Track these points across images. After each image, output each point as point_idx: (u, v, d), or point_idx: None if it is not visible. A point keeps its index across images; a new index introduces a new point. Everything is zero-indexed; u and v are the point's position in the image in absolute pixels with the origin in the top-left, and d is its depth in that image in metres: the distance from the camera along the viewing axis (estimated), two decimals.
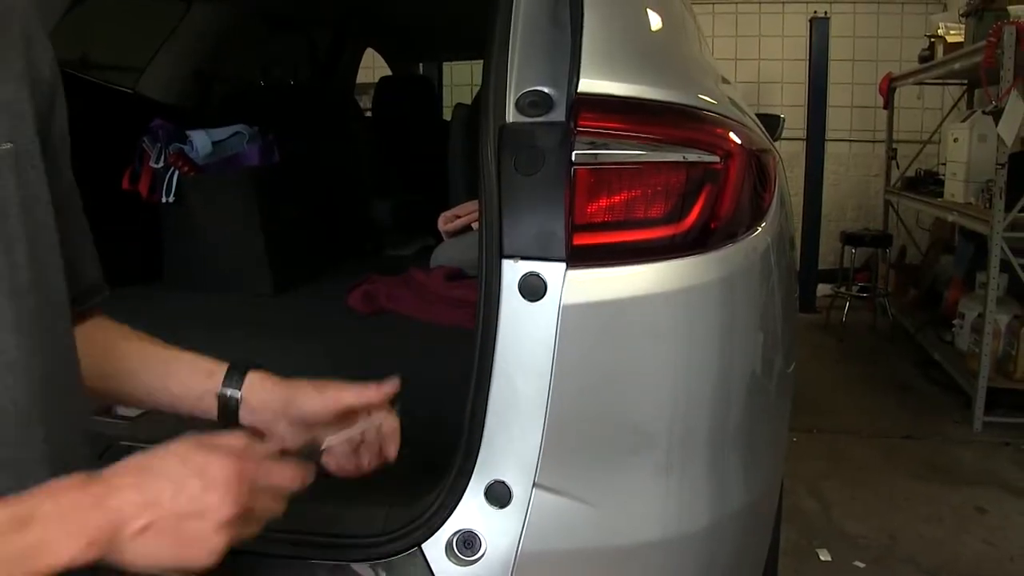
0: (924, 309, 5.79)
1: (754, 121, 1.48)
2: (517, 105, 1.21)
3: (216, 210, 2.65)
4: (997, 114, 3.97)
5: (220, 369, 1.08)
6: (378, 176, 3.67)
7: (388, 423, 1.12)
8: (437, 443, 1.28)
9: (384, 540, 1.22)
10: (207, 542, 0.77)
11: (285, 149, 2.87)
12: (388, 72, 5.11)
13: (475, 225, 2.31)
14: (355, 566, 1.22)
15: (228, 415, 1.07)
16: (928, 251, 6.51)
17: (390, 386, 1.09)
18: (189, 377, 1.08)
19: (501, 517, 1.20)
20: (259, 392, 1.07)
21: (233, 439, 0.84)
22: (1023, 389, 4.29)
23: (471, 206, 2.35)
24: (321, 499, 1.32)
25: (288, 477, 0.87)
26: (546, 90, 1.21)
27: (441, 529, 1.20)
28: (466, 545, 1.20)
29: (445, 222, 2.42)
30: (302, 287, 2.76)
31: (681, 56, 1.40)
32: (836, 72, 6.73)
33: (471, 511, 1.21)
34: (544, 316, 1.15)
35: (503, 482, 1.19)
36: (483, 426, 1.18)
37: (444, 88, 6.62)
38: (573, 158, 1.13)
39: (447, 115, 4.86)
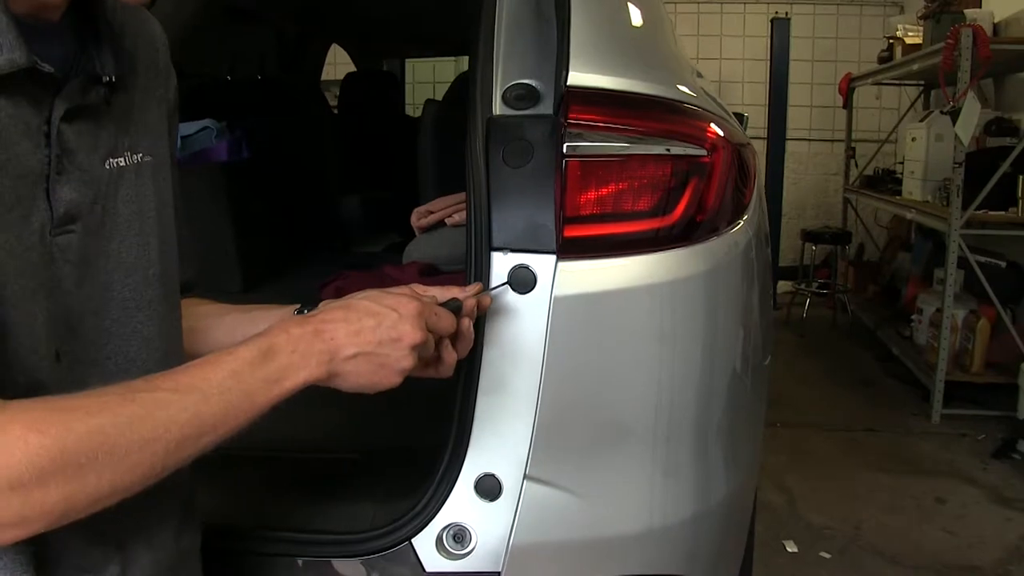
0: (883, 305, 5.88)
1: (730, 115, 1.50)
2: (504, 98, 1.21)
3: (184, 206, 2.59)
4: (955, 114, 4.04)
5: (293, 306, 1.18)
6: (345, 172, 3.64)
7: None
8: (423, 438, 1.27)
9: (373, 536, 1.21)
10: (399, 363, 0.95)
11: (253, 144, 2.83)
12: (348, 70, 5.06)
13: (449, 221, 2.30)
14: (342, 563, 1.21)
15: None
16: (885, 248, 6.61)
17: (472, 287, 1.13)
18: (269, 313, 1.17)
19: (491, 510, 1.20)
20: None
21: (407, 289, 1.03)
22: (980, 382, 4.37)
23: (444, 201, 2.34)
24: (308, 495, 1.33)
25: (446, 322, 1.03)
26: (532, 83, 1.22)
27: (431, 523, 1.20)
28: (456, 539, 1.20)
29: (419, 217, 2.41)
30: (272, 284, 2.73)
31: (663, 50, 1.41)
32: (796, 72, 6.80)
33: (461, 504, 1.20)
34: (535, 308, 1.15)
35: (493, 475, 1.19)
36: (472, 419, 1.18)
37: (406, 86, 6.59)
38: (564, 150, 1.13)
39: (410, 112, 4.86)
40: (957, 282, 4.32)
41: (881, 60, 5.70)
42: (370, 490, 1.29)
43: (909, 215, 4.92)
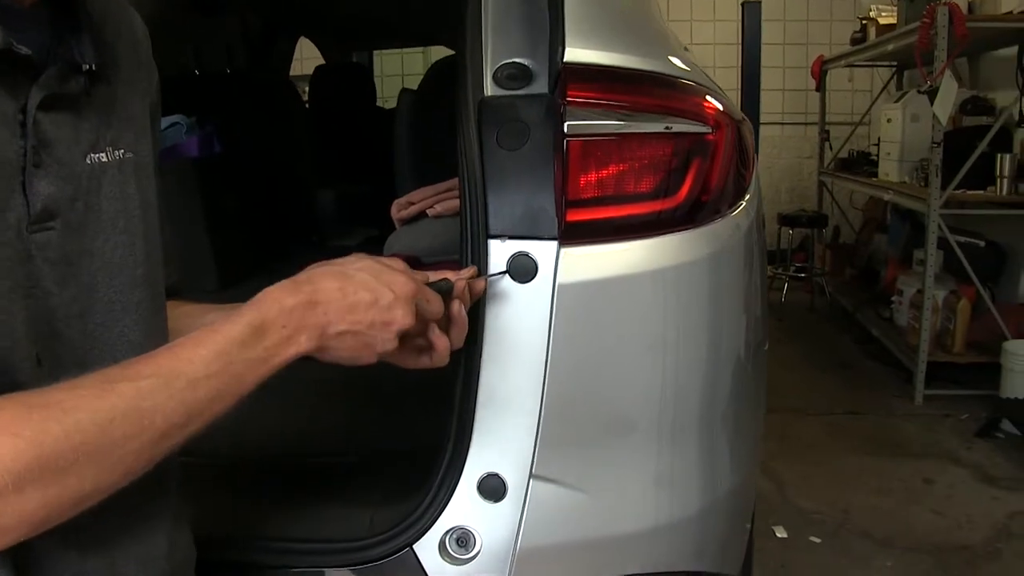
0: (861, 287, 5.88)
1: (723, 91, 1.45)
2: (495, 78, 1.15)
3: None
4: (932, 94, 4.01)
5: None
6: (319, 166, 3.57)
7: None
8: (422, 438, 1.22)
9: (371, 543, 1.15)
10: (383, 345, 0.93)
11: (225, 139, 2.76)
12: (317, 64, 4.98)
13: (430, 211, 2.24)
14: (339, 573, 1.15)
15: None
16: (861, 230, 6.61)
17: (467, 271, 1.10)
18: None
19: (496, 511, 1.14)
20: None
21: (399, 264, 0.98)
22: (962, 363, 4.36)
23: (425, 192, 2.27)
24: (302, 501, 1.27)
25: (436, 305, 0.99)
26: (524, 62, 1.16)
27: (433, 528, 1.14)
28: (460, 543, 1.14)
29: (399, 209, 2.34)
30: (249, 281, 2.64)
31: (656, 26, 1.35)
32: (767, 55, 6.78)
33: (464, 507, 1.15)
34: (536, 297, 1.09)
35: (497, 475, 1.13)
36: (473, 417, 1.12)
37: (375, 79, 6.50)
38: (566, 129, 1.07)
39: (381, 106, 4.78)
40: (937, 262, 4.30)
41: (854, 41, 5.69)
42: (367, 494, 1.23)
43: (887, 196, 4.90)
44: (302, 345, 0.87)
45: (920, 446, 3.86)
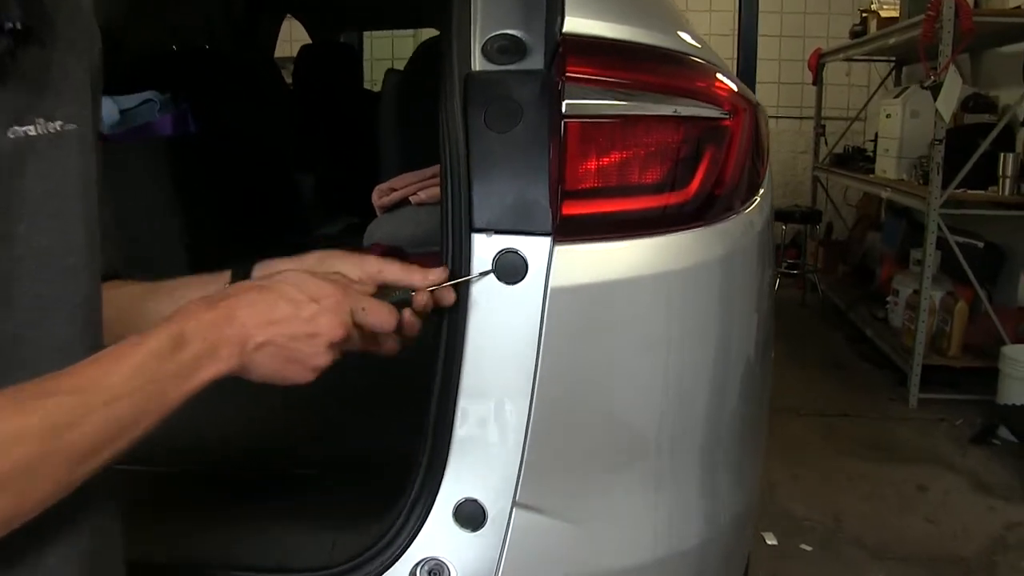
0: (854, 285, 5.79)
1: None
2: (484, 51, 1.01)
3: (123, 186, 2.38)
4: (935, 89, 3.92)
5: (226, 273, 1.11)
6: (301, 150, 3.42)
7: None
8: (393, 450, 1.08)
9: (332, 573, 1.01)
10: (313, 360, 0.87)
11: (201, 119, 2.62)
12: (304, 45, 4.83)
13: (413, 199, 2.11)
14: None
15: None
16: (854, 227, 6.53)
17: (437, 273, 0.99)
18: (201, 288, 1.06)
19: (474, 542, 1.00)
20: (276, 265, 1.04)
21: (336, 275, 0.92)
22: (957, 366, 4.28)
23: (408, 178, 2.15)
24: (253, 521, 1.13)
25: (379, 317, 0.91)
26: (517, 34, 1.02)
27: (402, 558, 1.00)
28: None
29: (380, 195, 2.21)
30: (222, 271, 2.51)
31: None
32: (763, 48, 6.63)
33: (438, 536, 1.01)
34: (525, 301, 0.96)
35: (475, 500, 0.99)
36: (451, 434, 0.98)
37: (364, 63, 6.37)
38: (564, 109, 0.94)
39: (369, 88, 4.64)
40: (934, 263, 4.20)
41: (854, 34, 5.58)
42: (329, 514, 1.10)
43: (884, 194, 4.80)
44: (223, 361, 0.81)
45: (914, 451, 3.77)
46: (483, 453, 0.99)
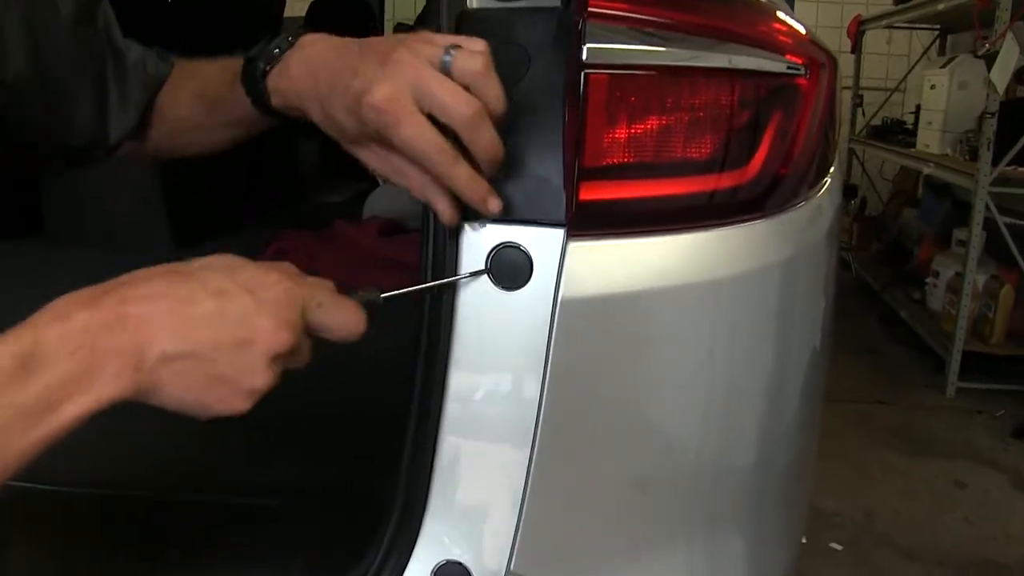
0: (889, 265, 5.55)
1: None
2: None
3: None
4: (990, 58, 3.66)
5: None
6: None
7: None
8: (361, 480, 0.87)
9: None
10: (246, 379, 0.62)
11: None
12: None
13: None
14: None
15: (255, 82, 0.85)
16: (889, 203, 6.29)
17: None
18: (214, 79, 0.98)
19: None
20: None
21: (285, 264, 0.69)
22: (999, 354, 4.07)
23: None
24: (189, 562, 0.92)
25: (346, 317, 0.69)
26: None
27: None
28: None
29: None
30: (210, 241, 2.30)
31: None
32: (800, 13, 6.32)
33: None
34: (528, 314, 0.73)
35: (460, 564, 0.76)
36: (431, 478, 0.76)
37: (385, 23, 6.14)
38: (584, 56, 0.70)
39: None
40: (979, 244, 3.98)
41: (897, 0, 5.28)
42: (285, 560, 0.88)
43: (927, 169, 4.57)
44: (108, 383, 0.57)
45: (951, 444, 3.60)
46: (471, 506, 0.76)
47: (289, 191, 2.91)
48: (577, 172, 0.72)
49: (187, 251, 1.95)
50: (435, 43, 0.70)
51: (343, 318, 0.68)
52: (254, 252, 2.01)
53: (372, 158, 0.78)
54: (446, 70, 0.68)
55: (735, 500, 0.87)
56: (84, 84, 0.97)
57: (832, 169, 0.90)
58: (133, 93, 1.02)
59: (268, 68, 0.83)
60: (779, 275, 0.80)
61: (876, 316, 5.24)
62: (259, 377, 0.63)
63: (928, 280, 4.66)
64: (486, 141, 0.69)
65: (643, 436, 0.78)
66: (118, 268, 1.76)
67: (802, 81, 0.74)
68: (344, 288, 0.71)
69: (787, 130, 0.75)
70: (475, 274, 0.74)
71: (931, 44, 5.96)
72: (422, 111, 0.68)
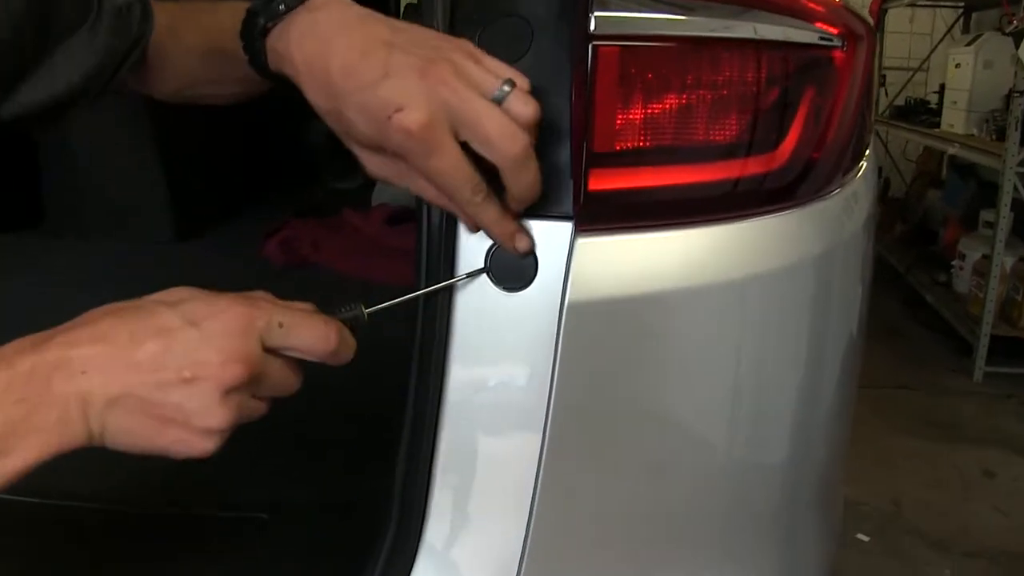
0: (913, 246, 5.45)
1: None
2: None
3: (100, 135, 2.11)
4: (1018, 36, 3.56)
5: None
6: None
7: None
8: (353, 489, 0.80)
9: None
10: (199, 418, 0.57)
11: None
12: None
13: None
14: None
15: (253, 39, 0.74)
16: (912, 184, 6.18)
17: None
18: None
19: None
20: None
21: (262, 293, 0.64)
22: None
23: None
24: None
25: (313, 334, 0.62)
26: None
27: None
28: None
29: None
30: (213, 232, 2.24)
31: None
32: None
33: None
34: (533, 318, 0.66)
35: None
36: (427, 503, 0.68)
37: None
38: (593, 27, 0.62)
39: None
40: (1007, 225, 3.88)
41: None
42: (278, 572, 0.81)
43: (951, 149, 4.48)
44: (55, 430, 0.53)
45: (979, 430, 3.51)
46: (470, 527, 0.68)
47: (301, 177, 2.84)
48: (586, 158, 0.64)
49: (189, 244, 1.89)
50: (485, 66, 0.62)
51: (309, 336, 0.62)
52: (259, 241, 1.96)
53: (375, 164, 0.69)
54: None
55: (762, 509, 0.79)
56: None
57: (868, 152, 0.82)
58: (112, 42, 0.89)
59: (269, 25, 0.72)
60: (813, 272, 0.71)
61: (900, 299, 5.13)
62: (214, 415, 0.57)
63: (954, 262, 4.57)
64: (529, 182, 0.62)
65: (664, 455, 0.70)
66: (119, 260, 1.69)
67: (837, 54, 0.66)
68: (326, 307, 0.64)
69: (821, 109, 0.67)
70: (473, 274, 0.66)
71: (955, 22, 5.83)
72: (456, 137, 0.61)
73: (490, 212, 0.63)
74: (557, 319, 0.65)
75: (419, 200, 0.68)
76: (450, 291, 0.66)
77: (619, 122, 0.62)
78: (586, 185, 0.65)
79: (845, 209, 0.75)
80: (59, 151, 2.17)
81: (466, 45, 0.63)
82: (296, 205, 2.28)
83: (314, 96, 0.67)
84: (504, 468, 0.67)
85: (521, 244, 0.65)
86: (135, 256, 2.03)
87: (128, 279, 1.76)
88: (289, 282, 1.79)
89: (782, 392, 0.73)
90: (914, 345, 4.49)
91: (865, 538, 2.75)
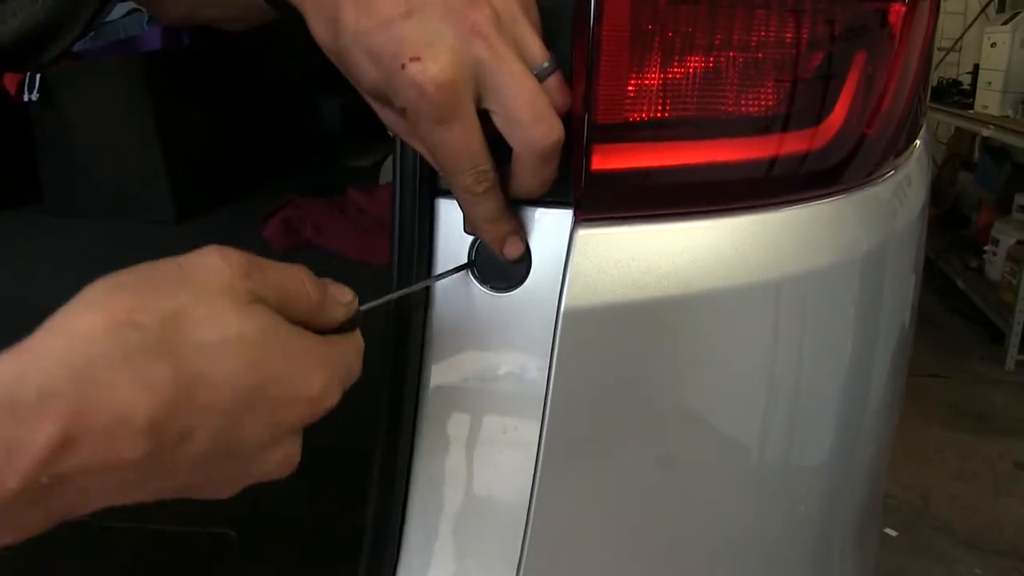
0: (944, 231, 5.32)
1: None
2: None
3: (97, 112, 2.02)
4: None
5: None
6: (325, 67, 3.02)
7: None
8: (332, 513, 0.70)
9: None
10: (260, 459, 0.45)
11: (198, 29, 2.24)
12: None
13: None
14: None
15: None
16: (943, 166, 6.04)
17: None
18: None
19: None
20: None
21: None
22: None
23: None
24: None
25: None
26: None
27: None
28: None
29: None
30: (216, 211, 2.15)
31: None
32: None
33: None
34: (525, 323, 0.55)
35: None
36: (401, 532, 0.58)
37: None
38: None
39: None
40: None
41: None
42: None
43: (986, 131, 4.37)
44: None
45: (1011, 421, 3.43)
46: (451, 560, 0.58)
47: (313, 153, 2.75)
48: (587, 131, 0.52)
49: (189, 225, 1.80)
50: (528, 35, 0.51)
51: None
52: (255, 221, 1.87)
53: (390, 117, 0.58)
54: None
55: (796, 542, 0.69)
56: None
57: (922, 130, 0.71)
58: None
59: None
60: (860, 272, 0.60)
61: (930, 285, 5.04)
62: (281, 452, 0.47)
63: (986, 248, 4.46)
64: (546, 179, 0.52)
65: (673, 481, 0.59)
66: (114, 241, 1.61)
67: (897, 8, 0.55)
68: None
69: (874, 76, 0.55)
70: (456, 270, 0.55)
71: (989, 1, 5.69)
72: (477, 106, 0.50)
73: (488, 208, 0.53)
74: (552, 327, 0.54)
75: (393, 198, 0.58)
76: (428, 292, 0.56)
77: (630, 89, 0.51)
78: (588, 164, 0.53)
79: (898, 195, 0.64)
80: (49, 124, 2.09)
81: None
82: (307, 182, 2.19)
83: (319, 31, 0.56)
84: (490, 503, 0.56)
85: (512, 250, 0.55)
86: (134, 238, 1.95)
87: (125, 261, 1.71)
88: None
89: (824, 422, 0.61)
90: (944, 332, 4.40)
91: (893, 533, 2.68)
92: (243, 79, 2.46)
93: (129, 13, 2.23)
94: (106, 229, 2.00)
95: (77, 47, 2.06)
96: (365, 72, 0.53)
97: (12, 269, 1.77)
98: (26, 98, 2.02)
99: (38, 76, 2.00)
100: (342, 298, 0.49)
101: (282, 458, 0.45)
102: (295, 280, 0.47)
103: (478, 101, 0.50)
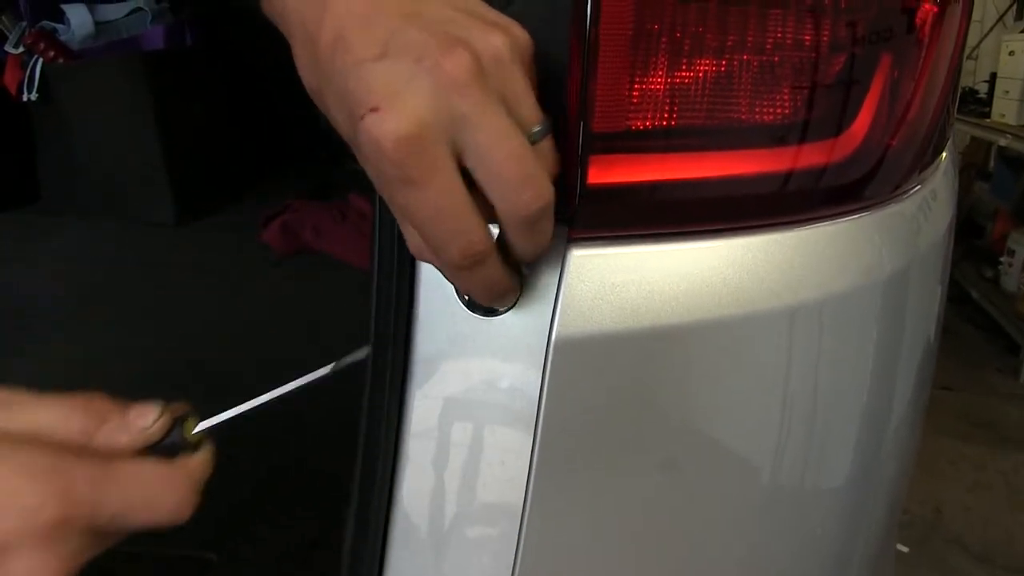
0: (959, 240, 5.27)
1: None
2: None
3: (97, 112, 2.00)
4: None
5: None
6: None
7: None
8: (317, 537, 0.66)
9: None
10: None
11: (200, 30, 2.22)
12: None
13: None
14: None
15: None
16: (959, 176, 5.99)
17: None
18: None
19: None
20: None
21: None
22: None
23: None
24: None
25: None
26: None
27: None
28: None
29: None
30: (216, 213, 2.12)
31: None
32: None
33: None
34: (512, 355, 0.50)
35: None
36: (381, 560, 0.53)
37: None
38: None
39: None
40: None
41: None
42: None
43: (1003, 141, 4.35)
44: None
45: None
46: None
47: (316, 155, 2.73)
48: (583, 141, 0.47)
49: (189, 228, 1.78)
50: (520, 89, 0.44)
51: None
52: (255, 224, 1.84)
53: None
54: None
55: None
56: None
57: (949, 142, 0.66)
58: None
59: None
60: (884, 293, 0.54)
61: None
62: None
63: (1002, 258, 4.45)
64: (540, 244, 0.46)
65: (676, 530, 0.53)
66: (112, 243, 1.58)
67: (927, 8, 0.50)
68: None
69: (900, 83, 0.50)
70: (358, 358, 0.49)
71: (1008, 9, 5.69)
72: (458, 164, 0.44)
73: (480, 280, 0.46)
74: (543, 359, 0.49)
75: (372, 230, 0.53)
76: (406, 316, 0.51)
77: (632, 94, 0.45)
78: (584, 177, 0.48)
79: (925, 213, 0.59)
80: (48, 123, 2.08)
81: (522, 38, 0.45)
82: (308, 185, 2.17)
83: (300, 64, 0.49)
84: (475, 551, 0.51)
85: (504, 304, 0.49)
86: (133, 240, 1.93)
87: (123, 263, 1.68)
88: (286, 273, 1.68)
89: (842, 459, 0.56)
90: (958, 343, 4.34)
91: (905, 549, 2.64)
92: (246, 80, 2.44)
93: (131, 13, 2.20)
94: (106, 231, 1.98)
95: (78, 47, 2.04)
96: (336, 121, 0.47)
97: (12, 269, 1.75)
98: (26, 97, 2.00)
99: (38, 75, 1.97)
100: (140, 422, 0.46)
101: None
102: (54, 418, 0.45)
103: (459, 159, 0.43)
